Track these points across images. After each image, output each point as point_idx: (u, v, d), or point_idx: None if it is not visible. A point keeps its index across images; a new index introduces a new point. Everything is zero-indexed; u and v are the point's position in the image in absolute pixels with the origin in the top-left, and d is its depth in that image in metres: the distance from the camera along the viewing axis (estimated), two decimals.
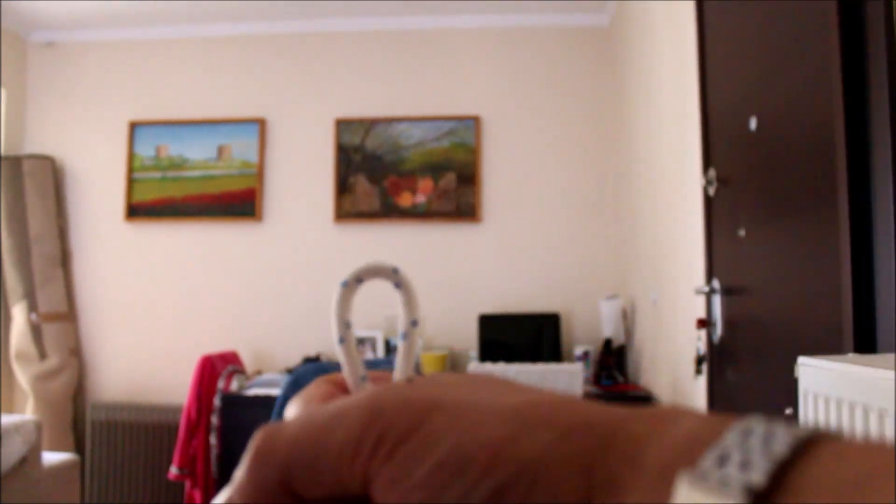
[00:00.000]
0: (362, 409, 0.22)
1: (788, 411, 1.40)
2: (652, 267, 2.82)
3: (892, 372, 0.76)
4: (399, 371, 0.28)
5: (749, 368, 1.77)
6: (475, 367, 2.59)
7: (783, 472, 0.16)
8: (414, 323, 0.28)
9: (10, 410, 3.60)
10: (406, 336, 0.28)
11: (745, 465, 0.16)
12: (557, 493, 0.19)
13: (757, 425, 0.17)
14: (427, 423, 0.21)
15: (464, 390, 0.23)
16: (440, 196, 3.59)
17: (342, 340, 0.28)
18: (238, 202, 3.67)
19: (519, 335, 3.39)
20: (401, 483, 0.20)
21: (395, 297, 0.28)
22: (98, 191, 3.77)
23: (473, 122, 3.61)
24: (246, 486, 0.23)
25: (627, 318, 3.25)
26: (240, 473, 0.23)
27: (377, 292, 3.04)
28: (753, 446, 0.17)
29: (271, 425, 0.24)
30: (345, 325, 0.28)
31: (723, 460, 0.17)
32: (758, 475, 0.16)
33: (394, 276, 0.28)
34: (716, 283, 1.96)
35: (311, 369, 2.02)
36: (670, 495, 0.17)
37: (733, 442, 0.17)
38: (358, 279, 0.28)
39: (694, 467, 0.17)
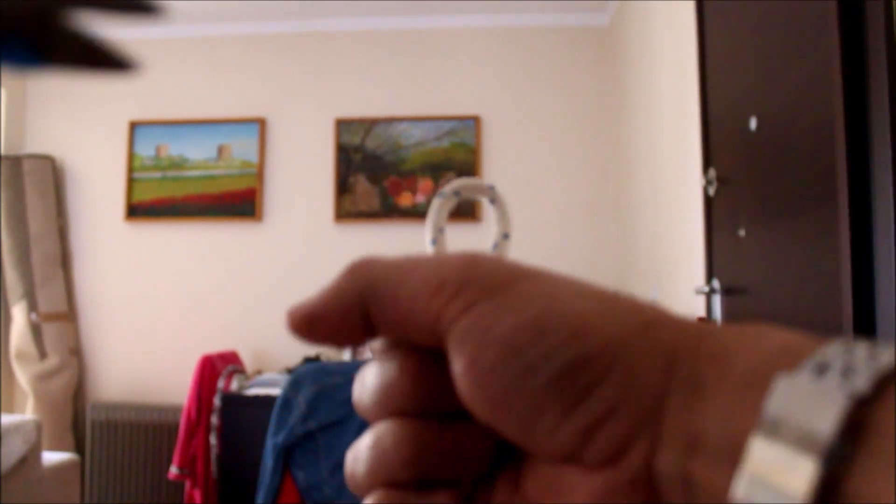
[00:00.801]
0: (457, 256, 0.22)
1: None
2: (652, 267, 2.82)
3: None
4: None
5: None
6: None
7: (888, 382, 0.15)
8: (506, 235, 0.29)
9: (10, 410, 3.60)
10: (496, 246, 0.29)
11: (847, 372, 0.15)
12: (635, 377, 0.18)
13: (860, 343, 0.16)
14: (516, 285, 0.21)
15: (557, 276, 0.22)
16: None
17: (434, 242, 0.29)
18: (238, 202, 3.67)
19: None
20: (478, 336, 0.20)
21: (490, 210, 0.29)
22: (98, 191, 3.77)
23: (473, 122, 3.61)
24: (327, 288, 0.23)
25: None
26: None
27: None
28: (857, 357, 0.16)
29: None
30: (438, 230, 0.29)
31: (822, 369, 0.16)
32: (861, 382, 0.15)
33: (490, 192, 0.29)
34: (716, 283, 1.96)
35: (312, 369, 2.02)
36: (757, 401, 0.16)
37: (835, 353, 0.16)
38: (455, 192, 0.30)
39: (790, 372, 0.16)
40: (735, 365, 0.17)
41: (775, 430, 0.15)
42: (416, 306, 0.21)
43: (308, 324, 0.23)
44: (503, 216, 0.27)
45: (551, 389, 0.19)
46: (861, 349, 0.16)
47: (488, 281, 0.21)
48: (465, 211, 3.57)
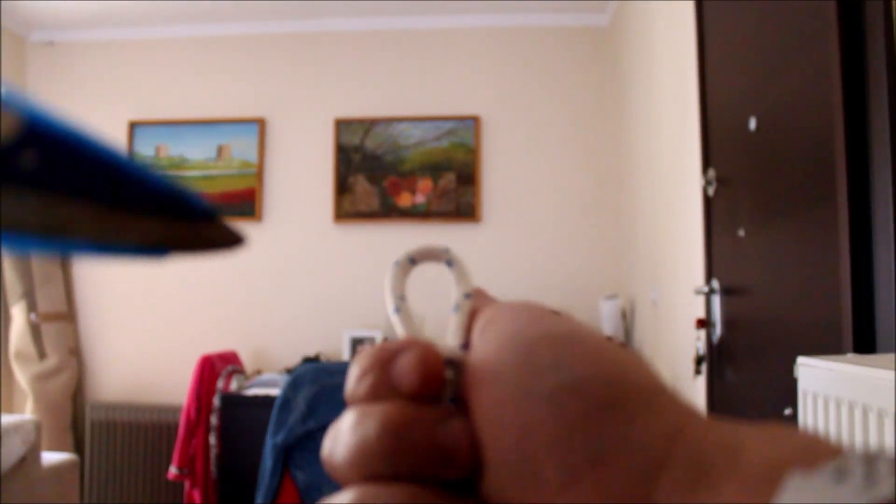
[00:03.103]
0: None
1: (788, 411, 1.40)
2: (652, 267, 2.81)
3: (892, 372, 0.76)
4: (451, 340, 0.27)
5: (748, 368, 1.77)
6: None
7: None
8: (467, 295, 0.28)
9: (10, 410, 3.60)
10: (458, 308, 0.28)
11: (870, 480, 0.14)
12: (633, 431, 0.18)
13: (883, 453, 0.15)
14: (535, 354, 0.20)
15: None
16: (440, 196, 3.59)
17: (397, 310, 0.28)
18: (238, 202, 3.67)
19: None
20: (519, 401, 0.19)
21: (448, 274, 0.29)
22: None
23: (473, 122, 3.61)
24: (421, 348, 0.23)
25: (627, 318, 3.25)
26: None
27: (377, 293, 3.05)
28: (880, 467, 0.15)
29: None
30: (399, 298, 0.28)
31: (841, 474, 0.15)
32: (886, 490, 0.14)
33: (445, 256, 0.29)
34: (715, 283, 1.96)
35: (311, 369, 2.02)
36: (768, 496, 0.15)
37: (856, 461, 0.15)
38: (411, 259, 0.29)
39: (804, 472, 0.15)
40: (747, 459, 0.17)
41: None
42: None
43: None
44: (462, 276, 0.27)
45: (551, 402, 0.18)
46: (884, 460, 0.15)
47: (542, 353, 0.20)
48: (466, 211, 3.57)
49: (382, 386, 0.21)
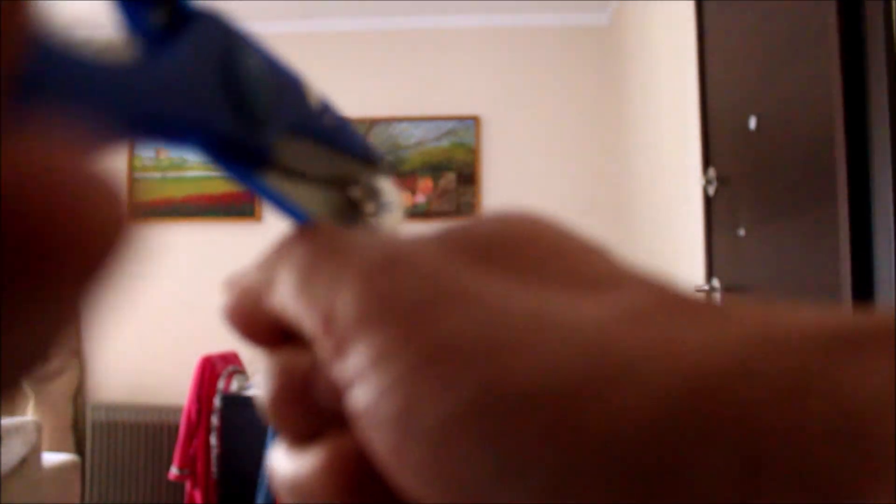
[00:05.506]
0: (363, 262, 0.15)
1: None
2: (652, 267, 2.81)
3: None
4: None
5: None
6: None
7: None
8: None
9: (10, 411, 3.60)
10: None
11: None
12: None
13: None
14: (450, 315, 0.13)
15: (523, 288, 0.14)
16: (440, 196, 3.59)
17: None
18: (238, 202, 3.67)
19: None
20: (391, 426, 0.12)
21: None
22: None
23: (473, 122, 3.61)
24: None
25: None
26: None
27: None
28: None
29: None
30: None
31: None
32: None
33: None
34: (715, 283, 1.96)
35: None
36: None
37: None
38: None
39: None
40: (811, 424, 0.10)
41: None
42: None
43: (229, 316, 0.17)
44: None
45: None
46: None
47: (404, 311, 0.13)
48: (466, 211, 3.57)
49: (309, 423, 0.15)
